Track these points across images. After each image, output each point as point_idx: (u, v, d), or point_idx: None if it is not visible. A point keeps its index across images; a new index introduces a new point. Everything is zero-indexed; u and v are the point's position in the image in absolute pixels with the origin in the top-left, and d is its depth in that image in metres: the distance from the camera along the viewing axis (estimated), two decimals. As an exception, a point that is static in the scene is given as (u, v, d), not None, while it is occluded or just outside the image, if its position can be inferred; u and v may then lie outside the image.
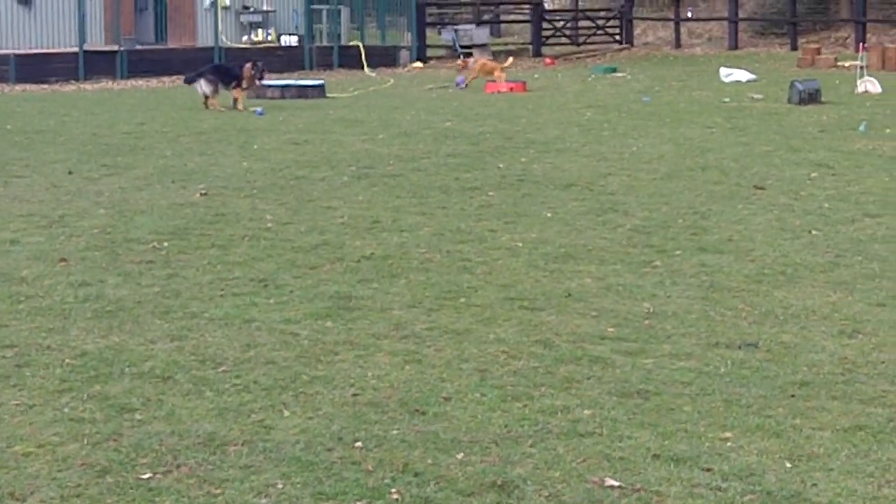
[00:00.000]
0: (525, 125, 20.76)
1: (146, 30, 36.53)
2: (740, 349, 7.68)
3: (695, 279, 9.52)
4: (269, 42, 37.31)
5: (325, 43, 37.89)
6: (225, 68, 24.52)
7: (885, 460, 5.86)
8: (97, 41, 33.76)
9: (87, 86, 30.99)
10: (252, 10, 37.35)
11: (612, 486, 5.47)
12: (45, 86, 30.41)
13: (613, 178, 14.59)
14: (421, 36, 39.88)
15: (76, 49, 32.22)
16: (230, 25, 36.73)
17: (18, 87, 29.94)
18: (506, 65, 30.78)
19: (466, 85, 29.77)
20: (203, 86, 23.91)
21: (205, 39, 35.67)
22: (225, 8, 36.25)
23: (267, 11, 37.63)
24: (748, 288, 9.26)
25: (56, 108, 24.28)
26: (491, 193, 13.50)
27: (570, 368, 7.23)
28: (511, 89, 29.03)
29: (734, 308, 8.67)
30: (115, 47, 33.12)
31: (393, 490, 5.37)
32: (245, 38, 37.07)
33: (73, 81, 31.48)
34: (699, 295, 9.04)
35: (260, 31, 37.35)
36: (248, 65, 23.72)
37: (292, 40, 37.39)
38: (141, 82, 31.83)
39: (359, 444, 5.91)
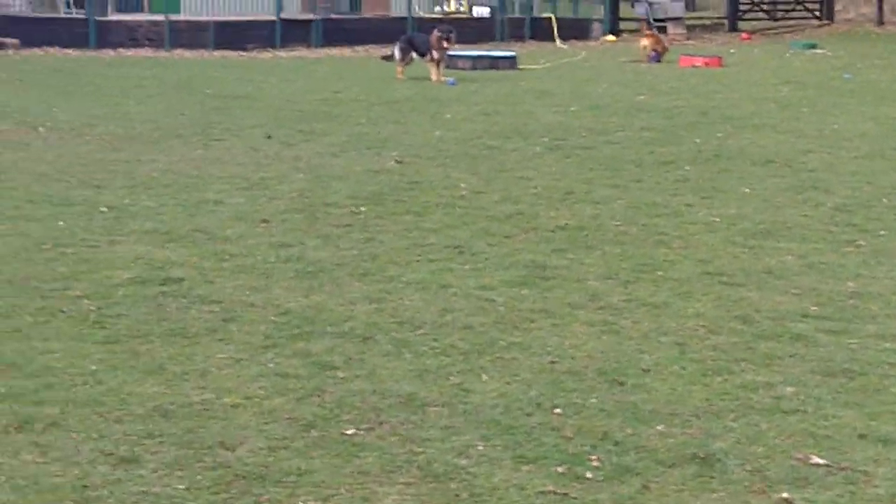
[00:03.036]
0: (720, 100, 20.46)
1: (341, 1, 36.98)
2: (947, 332, 7.46)
3: (898, 260, 9.29)
4: (462, 13, 37.46)
5: (517, 14, 37.89)
6: (420, 38, 24.64)
7: None
8: (293, 10, 34.30)
9: (283, 53, 31.51)
10: (445, -20, 37.55)
11: (817, 464, 5.37)
12: (243, 53, 30.99)
13: (813, 156, 14.29)
14: (614, 8, 39.63)
15: (273, 17, 32.77)
16: (424, -5, 36.97)
17: (217, 53, 30.57)
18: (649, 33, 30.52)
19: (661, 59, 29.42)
20: (396, 53, 24.13)
21: (398, 9, 35.96)
22: (418, -22, 36.47)
23: (460, -19, 37.77)
24: (955, 271, 9.01)
25: (252, 75, 24.75)
26: (687, 168, 13.34)
27: (770, 345, 7.11)
28: (706, 64, 28.66)
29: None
30: (311, 16, 33.60)
31: (593, 457, 5.36)
32: (437, 8, 37.28)
33: (269, 49, 32.04)
34: (905, 276, 8.81)
35: (452, 1, 37.53)
36: (436, 32, 23.73)
37: (484, 11, 37.48)
38: (335, 51, 32.24)
39: (558, 410, 5.90)
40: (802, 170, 13.33)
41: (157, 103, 18.71)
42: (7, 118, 16.10)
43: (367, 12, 36.24)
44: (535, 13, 38.01)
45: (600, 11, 39.34)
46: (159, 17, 31.86)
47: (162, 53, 30.29)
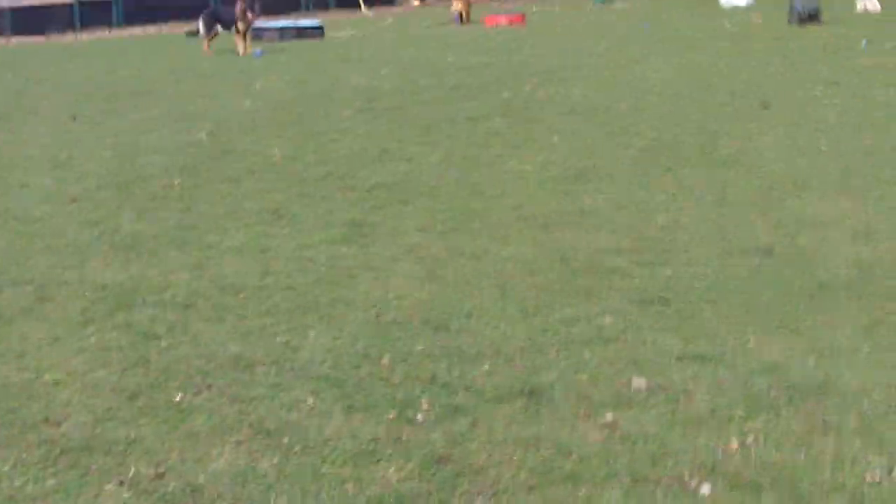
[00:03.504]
0: (527, 56, 20.74)
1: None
2: (756, 256, 7.69)
3: (706, 193, 9.52)
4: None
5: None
6: (223, 11, 24.38)
7: (908, 354, 5.89)
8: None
9: (84, 36, 30.93)
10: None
11: (639, 387, 5.50)
12: (42, 37, 30.30)
13: (621, 103, 14.56)
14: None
15: (71, 0, 32.10)
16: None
17: (15, 40, 29.85)
18: None
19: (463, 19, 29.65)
20: (200, 28, 23.88)
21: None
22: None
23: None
24: (760, 200, 9.27)
25: (55, 58, 24.24)
26: (497, 121, 13.48)
27: (588, 280, 7.25)
28: (511, 22, 28.97)
29: (747, 218, 8.68)
30: (110, -4, 33.04)
31: (422, 401, 5.40)
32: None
33: (69, 31, 31.39)
34: (712, 208, 9.04)
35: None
36: (239, 3, 23.51)
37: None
38: (138, 30, 31.76)
39: (385, 360, 5.93)
40: (611, 116, 13.58)
41: (-44, 93, 18.20)
42: None
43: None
44: (339, -19, 37.93)
45: (404, -24, 39.40)
46: (-48, 7, 30.97)
47: (-43, 43, 29.47)
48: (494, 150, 11.73)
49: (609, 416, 5.17)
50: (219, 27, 23.56)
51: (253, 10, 23.32)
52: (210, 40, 23.49)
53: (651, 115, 13.41)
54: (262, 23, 27.55)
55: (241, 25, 23.21)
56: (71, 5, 31.88)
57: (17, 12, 31.04)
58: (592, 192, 9.71)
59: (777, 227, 8.41)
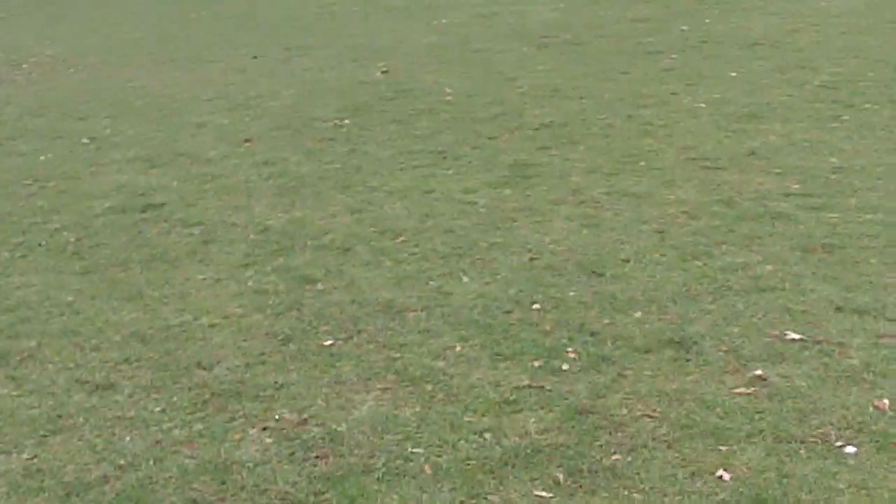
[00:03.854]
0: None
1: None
2: (931, 201, 7.44)
3: (885, 132, 9.23)
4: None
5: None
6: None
7: None
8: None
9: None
10: None
11: (792, 339, 5.37)
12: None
13: (800, 35, 14.17)
14: None
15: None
16: None
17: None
18: None
19: None
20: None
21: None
22: None
23: None
24: (941, 139, 8.96)
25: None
26: (673, 56, 13.24)
27: (751, 225, 7.10)
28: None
29: (927, 159, 8.40)
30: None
31: (570, 349, 5.37)
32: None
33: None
34: (889, 148, 8.76)
35: None
36: None
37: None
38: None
39: (536, 306, 5.91)
40: (789, 50, 13.23)
41: (151, 28, 18.59)
42: (-8, 56, 16.03)
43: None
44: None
45: None
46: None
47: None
48: (669, 86, 11.53)
49: (758, 370, 5.07)
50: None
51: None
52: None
53: (832, 49, 13.02)
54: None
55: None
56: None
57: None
58: (765, 131, 9.48)
59: (956, 170, 8.11)
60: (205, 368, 5.31)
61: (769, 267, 6.37)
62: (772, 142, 9.15)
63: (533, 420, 4.72)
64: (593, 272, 6.40)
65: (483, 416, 4.77)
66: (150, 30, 18.34)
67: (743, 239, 6.87)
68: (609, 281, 6.27)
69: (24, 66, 15.10)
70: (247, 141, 9.85)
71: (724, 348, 5.33)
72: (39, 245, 7.17)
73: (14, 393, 5.13)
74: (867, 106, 10.16)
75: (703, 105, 10.57)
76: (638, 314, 5.77)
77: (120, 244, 7.15)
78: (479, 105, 11.02)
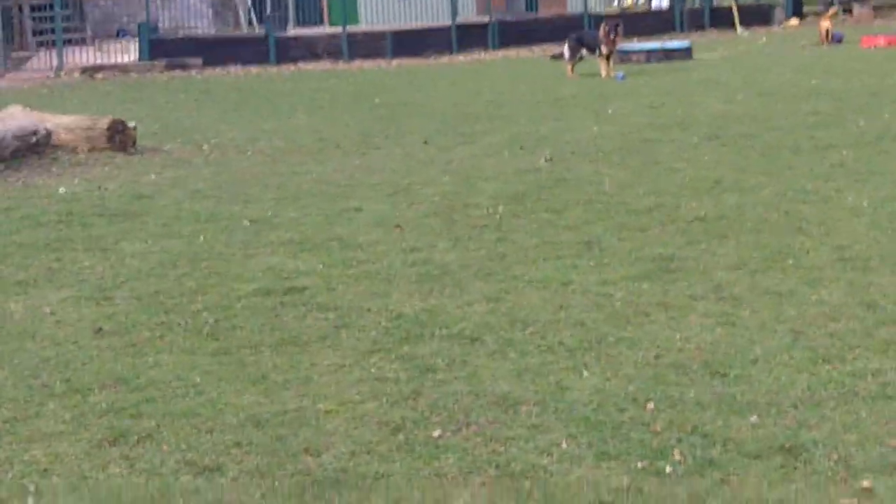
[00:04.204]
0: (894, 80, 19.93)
1: (518, 1, 37.10)
2: None
3: None
4: (640, 6, 37.19)
5: (696, 4, 37.46)
6: (588, 35, 24.52)
7: None
8: (469, 14, 34.53)
9: (460, 58, 31.72)
10: (622, -25, 37.36)
11: (907, 450, 5.22)
12: (420, 59, 31.29)
13: (981, 133, 13.84)
14: (797, -9, 38.85)
15: (449, 23, 33.03)
16: (600, -8, 36.83)
17: (394, 62, 30.93)
18: (829, 14, 29.83)
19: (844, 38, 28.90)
20: (565, 52, 24.16)
21: (574, 7, 35.88)
22: (593, -26, 36.35)
23: (637, -24, 37.53)
24: None
25: (425, 81, 25.00)
26: (844, 152, 13.02)
27: (891, 330, 6.91)
28: (889, 43, 27.93)
29: None
30: (486, 19, 33.76)
31: (676, 451, 5.29)
32: (615, 3, 37.09)
33: (446, 54, 32.29)
34: None
35: (630, -5, 37.31)
36: (603, 26, 23.60)
37: (663, 4, 37.16)
38: (511, 52, 32.32)
39: (651, 405, 5.84)
40: (969, 147, 12.92)
41: (325, 115, 19.04)
42: (177, 137, 16.55)
43: (544, 12, 36.25)
44: (715, 2, 37.49)
45: (783, -5, 38.60)
46: (337, 30, 32.40)
47: (340, 65, 30.79)
48: (835, 183, 11.34)
49: (866, 482, 4.93)
50: (584, 51, 23.72)
51: (616, 33, 23.33)
52: (574, 64, 23.68)
53: None
54: (629, 45, 27.59)
55: (604, 49, 23.26)
56: (449, 28, 32.79)
57: (397, 35, 32.17)
58: (928, 232, 9.25)
59: None
60: (312, 455, 5.37)
61: (898, 374, 6.20)
62: (930, 243, 8.92)
63: (627, 523, 4.66)
64: (717, 372, 6.31)
65: (579, 516, 4.74)
66: (323, 117, 18.77)
67: (880, 344, 6.70)
68: (732, 382, 6.17)
69: (203, 147, 15.58)
70: (397, 227, 9.98)
71: (836, 457, 5.19)
72: (179, 325, 7.36)
73: (125, 472, 5.26)
74: None
75: (865, 203, 10.36)
76: (754, 418, 5.66)
77: (256, 327, 7.30)
78: (634, 196, 10.99)
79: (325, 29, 33.82)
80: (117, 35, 33.67)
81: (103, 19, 35.38)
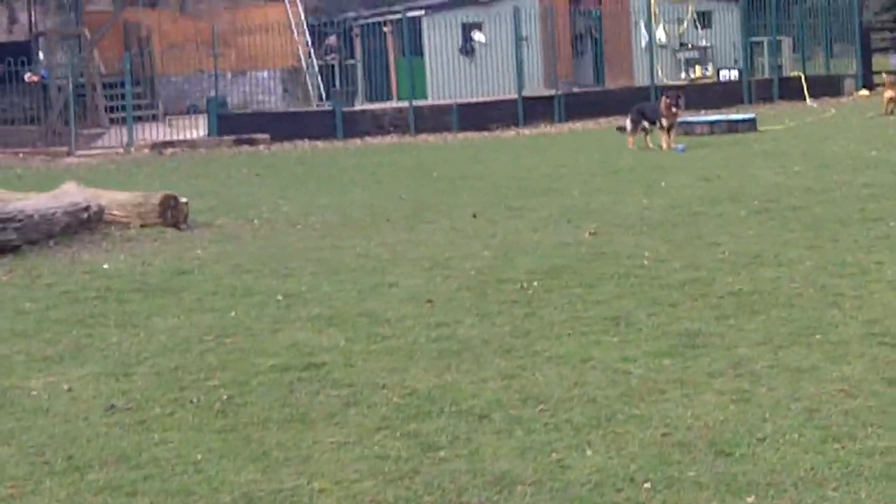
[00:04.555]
0: (960, 152, 19.73)
1: (585, 73, 37.16)
2: None
3: None
4: (708, 78, 37.10)
5: (765, 76, 37.31)
6: (650, 107, 24.48)
7: None
8: (536, 86, 34.64)
9: (526, 131, 31.82)
10: (690, 46, 37.30)
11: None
12: (486, 133, 31.41)
13: None
14: (867, 62, 38.58)
15: (515, 96, 33.15)
16: (668, 63, 36.80)
17: (460, 136, 31.08)
18: (892, 82, 29.43)
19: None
20: (627, 124, 24.16)
21: (642, 79, 35.87)
22: (662, 46, 36.34)
23: (705, 47, 37.45)
24: None
25: (488, 154, 25.08)
26: (893, 223, 12.87)
27: (908, 408, 6.78)
28: (955, 114, 27.65)
29: None
30: (553, 91, 33.85)
31: (665, 533, 5.21)
32: (683, 75, 37.03)
33: (512, 127, 32.39)
34: None
35: (698, 67, 37.22)
36: (664, 98, 23.60)
37: (732, 75, 37.05)
38: (578, 125, 32.35)
39: (647, 485, 5.76)
40: None
41: (382, 189, 19.13)
42: (231, 212, 16.70)
43: (611, 83, 36.28)
44: (785, 73, 37.33)
45: (853, 66, 38.34)
46: (404, 104, 32.62)
47: (406, 139, 30.97)
48: (877, 255, 11.20)
49: (856, 566, 4.82)
50: (645, 123, 23.69)
51: (678, 105, 23.28)
52: (635, 135, 23.66)
53: None
54: (693, 117, 27.52)
55: (665, 121, 23.22)
56: (515, 101, 32.90)
57: (463, 108, 32.33)
58: (964, 305, 9.09)
59: None
60: (295, 535, 5.35)
61: (910, 453, 6.07)
62: (964, 317, 8.76)
63: None
64: (722, 451, 6.21)
65: None
66: (379, 191, 18.87)
67: (889, 422, 6.56)
68: (736, 461, 6.07)
69: (255, 221, 15.70)
70: (429, 301, 9.97)
71: (827, 539, 5.08)
72: (191, 402, 7.37)
73: (109, 551, 5.27)
74: None
75: (905, 277, 10.22)
76: (751, 498, 5.57)
77: (267, 403, 7.29)
78: (671, 270, 10.90)
79: (391, 103, 34.06)
80: (188, 111, 34.13)
81: (175, 96, 35.92)
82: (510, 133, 31.40)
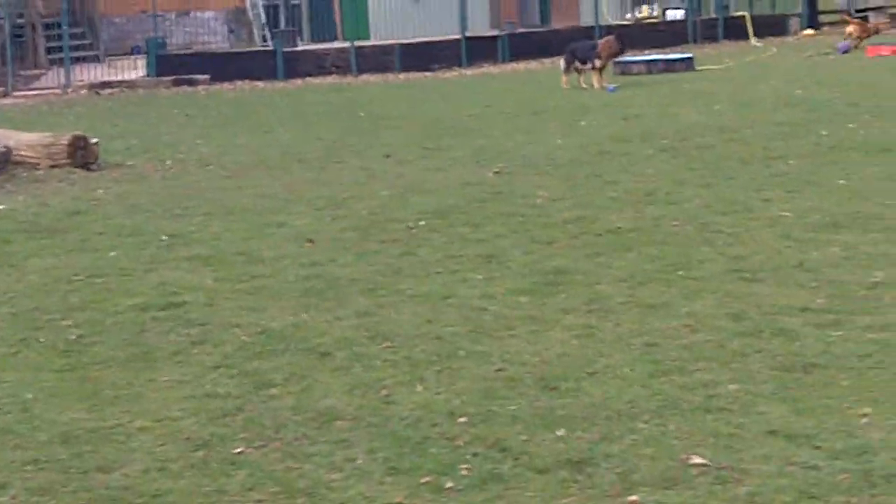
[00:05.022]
0: (882, 91, 19.79)
1: (531, 13, 37.08)
2: (954, 320, 7.06)
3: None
4: (654, 17, 37.07)
5: (711, 15, 37.30)
6: (582, 47, 24.43)
7: None
8: (482, 26, 34.52)
9: (468, 71, 31.70)
10: (635, -15, 37.27)
11: (695, 464, 5.16)
12: (428, 73, 31.30)
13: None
14: (812, 2, 38.60)
15: (458, 36, 33.03)
16: (614, 3, 36.72)
17: (402, 76, 30.96)
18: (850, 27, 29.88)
19: (851, 49, 28.80)
20: (561, 64, 24.14)
21: (587, 18, 35.80)
22: (608, -15, 36.30)
23: (651, -14, 37.43)
24: None
25: (422, 94, 25.01)
26: (791, 162, 12.94)
27: (746, 342, 6.84)
28: (894, 52, 27.72)
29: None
30: (496, 32, 33.74)
31: (466, 466, 5.26)
32: (629, 14, 36.98)
33: (455, 68, 32.29)
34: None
35: (644, 7, 37.18)
36: (607, 38, 23.72)
37: (678, 14, 37.00)
38: (521, 65, 32.28)
39: (463, 419, 5.81)
40: (917, 157, 12.81)
41: (306, 130, 19.06)
42: (147, 152, 16.64)
43: (557, 24, 36.19)
44: (731, 13, 37.31)
45: (798, 6, 38.35)
46: (346, 45, 32.46)
47: (348, 80, 30.83)
48: (768, 193, 11.26)
49: (635, 496, 4.88)
50: (577, 63, 23.67)
51: (622, 51, 23.52)
52: (568, 75, 23.65)
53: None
54: (631, 57, 27.51)
55: (598, 62, 23.21)
56: (458, 41, 32.79)
57: (405, 49, 32.20)
58: (832, 242, 9.16)
59: None
60: (103, 472, 5.36)
61: (732, 387, 6.13)
62: (830, 254, 8.84)
63: (382, 539, 4.63)
64: (548, 386, 6.26)
65: (339, 532, 4.71)
66: (302, 131, 18.80)
67: (729, 356, 6.64)
68: (559, 395, 6.13)
69: (168, 162, 15.65)
70: (309, 241, 9.98)
71: (619, 470, 5.15)
72: (39, 342, 7.37)
73: None
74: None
75: (788, 213, 10.28)
76: (561, 432, 5.62)
77: (115, 343, 7.30)
78: (560, 209, 10.94)
79: (333, 44, 33.88)
80: (132, 52, 33.89)
81: (118, 37, 35.63)
82: (452, 74, 31.29)
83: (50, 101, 28.14)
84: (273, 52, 31.91)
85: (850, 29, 30.09)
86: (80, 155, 15.03)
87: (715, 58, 29.98)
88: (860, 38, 29.34)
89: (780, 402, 5.89)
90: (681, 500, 4.85)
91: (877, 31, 30.35)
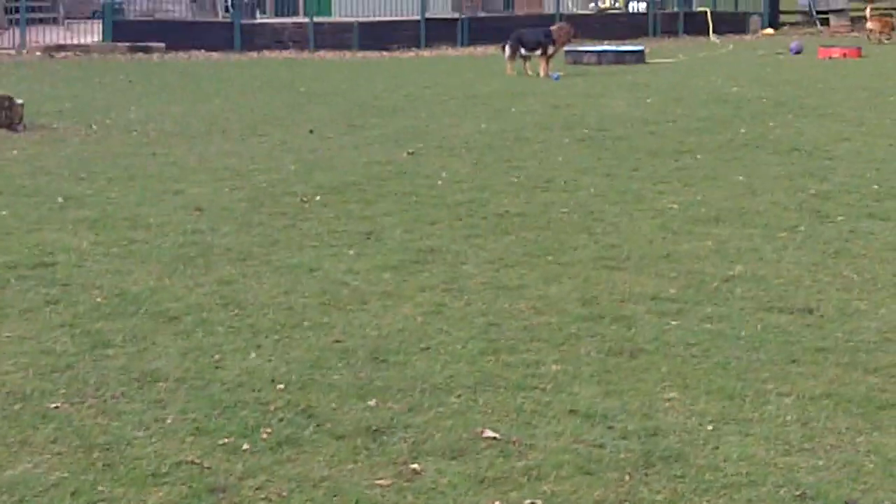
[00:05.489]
0: (815, 91, 19.99)
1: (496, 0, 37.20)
2: (793, 315, 7.25)
3: (828, 247, 8.96)
4: (617, 8, 37.24)
5: (674, 9, 37.49)
6: (530, 34, 24.59)
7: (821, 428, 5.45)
8: (444, 9, 34.62)
9: (426, 53, 31.85)
10: (599, -24, 37.43)
11: (486, 438, 5.32)
12: (385, 53, 31.41)
13: (846, 144, 13.90)
14: (774, 1, 38.82)
15: (418, 17, 33.15)
16: (578, -8, 36.89)
17: (360, 54, 31.07)
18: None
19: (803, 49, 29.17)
20: (506, 50, 24.27)
21: (550, 7, 35.95)
22: (572, -26, 36.44)
23: (614, -22, 37.59)
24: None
25: (370, 73, 25.13)
26: (699, 157, 13.12)
27: (584, 326, 7.01)
28: (844, 55, 27.95)
29: (838, 276, 8.15)
30: (457, 14, 33.86)
31: (267, 429, 5.41)
32: (592, 5, 37.13)
33: (413, 48, 32.42)
34: (814, 261, 8.52)
35: (607, -3, 37.37)
36: (561, 24, 24.00)
37: (641, 7, 37.18)
38: (480, 49, 32.40)
39: (282, 386, 5.96)
40: (821, 157, 13.00)
41: (241, 101, 19.16)
42: (76, 116, 16.74)
43: (520, 10, 36.33)
44: (693, 8, 37.52)
45: (760, 5, 38.57)
46: (305, 20, 32.53)
47: (304, 55, 30.92)
48: (664, 186, 11.44)
49: (416, 465, 5.04)
50: (523, 50, 23.82)
51: (570, 35, 23.76)
52: (513, 62, 23.80)
53: (865, 159, 12.73)
54: (583, 46, 27.68)
55: (551, 49, 23.42)
56: (418, 22, 32.92)
57: (364, 27, 32.30)
58: (708, 236, 9.33)
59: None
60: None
61: (556, 367, 6.30)
62: (701, 246, 9.01)
63: (163, 494, 4.78)
64: (378, 359, 6.41)
65: (127, 486, 4.85)
66: (236, 103, 18.91)
67: (563, 338, 6.80)
68: (385, 368, 6.28)
69: (93, 126, 15.74)
70: (197, 210, 10.11)
71: (412, 440, 5.30)
72: None
73: None
74: (840, 218, 9.92)
75: (675, 206, 10.46)
76: (372, 402, 5.77)
77: (-32, 300, 7.43)
78: (456, 191, 11.09)
79: (291, 18, 33.94)
80: (92, 16, 33.89)
81: (79, 0, 35.62)
82: (409, 54, 31.44)
83: (2, 61, 28.13)
84: (231, 24, 31.93)
85: (871, 25, 30.57)
86: (5, 115, 15.10)
87: (670, 52, 30.21)
88: (881, 34, 29.81)
89: (595, 384, 6.06)
90: (460, 469, 5.01)
91: (893, 28, 30.94)
